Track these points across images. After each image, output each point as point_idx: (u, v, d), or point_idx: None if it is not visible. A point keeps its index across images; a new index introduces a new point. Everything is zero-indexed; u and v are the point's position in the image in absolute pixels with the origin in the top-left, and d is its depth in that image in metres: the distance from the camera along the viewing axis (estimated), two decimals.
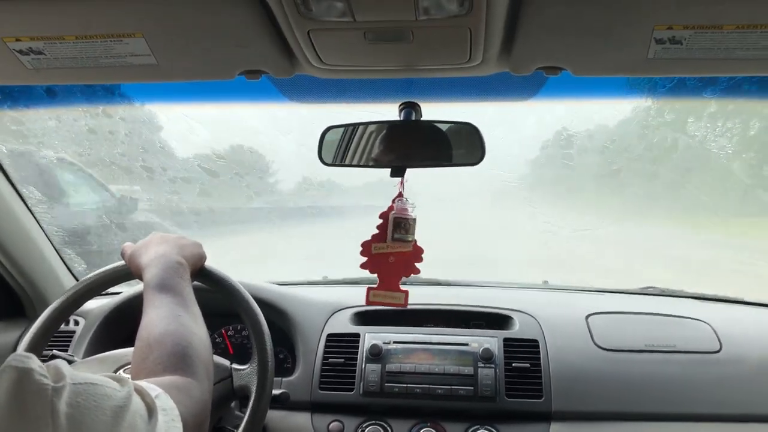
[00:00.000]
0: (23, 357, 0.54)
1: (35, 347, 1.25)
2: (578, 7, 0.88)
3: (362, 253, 1.27)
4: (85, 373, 0.59)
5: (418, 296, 1.70)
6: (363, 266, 1.27)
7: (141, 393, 0.64)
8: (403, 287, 1.29)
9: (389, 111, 1.32)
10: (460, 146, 1.26)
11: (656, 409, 1.43)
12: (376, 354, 1.50)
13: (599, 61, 1.05)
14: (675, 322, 1.60)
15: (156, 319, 0.96)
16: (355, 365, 1.51)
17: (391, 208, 1.28)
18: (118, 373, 1.18)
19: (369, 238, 1.28)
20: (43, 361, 0.56)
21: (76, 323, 1.65)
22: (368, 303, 1.27)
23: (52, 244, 1.74)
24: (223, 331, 1.69)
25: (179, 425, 0.69)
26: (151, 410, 0.63)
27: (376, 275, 1.28)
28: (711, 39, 0.91)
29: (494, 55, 1.03)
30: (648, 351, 1.51)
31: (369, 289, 1.28)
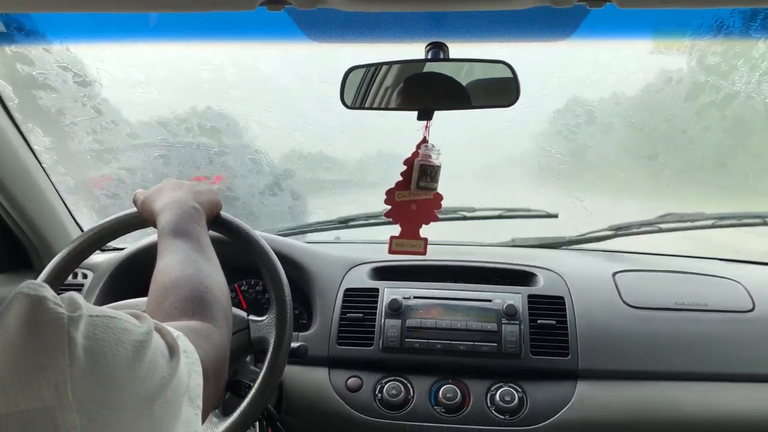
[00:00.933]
0: (36, 285, 0.49)
1: None
2: None
3: (386, 202, 1.23)
4: (101, 307, 0.54)
5: (440, 253, 1.65)
6: (387, 215, 1.23)
7: (161, 331, 0.59)
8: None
9: (416, 52, 1.26)
10: (493, 88, 1.19)
11: (686, 369, 1.40)
12: (396, 309, 1.46)
13: None
14: (706, 281, 1.55)
15: (172, 263, 0.92)
16: (374, 320, 1.47)
17: (415, 155, 1.23)
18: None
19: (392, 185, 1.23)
20: None
21: (85, 276, 1.61)
22: (390, 252, 1.23)
23: (58, 192, 1.69)
24: (236, 285, 1.65)
25: (200, 370, 0.65)
26: (172, 349, 0.58)
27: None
28: None
29: None
30: (678, 309, 1.47)
31: (392, 238, 1.23)
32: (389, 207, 1.23)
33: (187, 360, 0.61)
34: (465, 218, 1.86)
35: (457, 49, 1.25)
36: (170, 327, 0.66)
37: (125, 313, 0.56)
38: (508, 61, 1.17)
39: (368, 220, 1.86)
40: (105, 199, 2.08)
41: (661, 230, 1.76)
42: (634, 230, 1.78)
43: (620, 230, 1.79)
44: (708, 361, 1.40)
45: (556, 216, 1.86)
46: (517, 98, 1.17)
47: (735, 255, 1.76)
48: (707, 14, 1.23)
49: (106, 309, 0.54)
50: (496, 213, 1.89)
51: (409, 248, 1.24)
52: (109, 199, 2.08)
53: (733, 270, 1.62)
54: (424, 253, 1.25)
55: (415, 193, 1.24)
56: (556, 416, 1.34)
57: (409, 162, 1.24)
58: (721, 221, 1.74)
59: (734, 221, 1.74)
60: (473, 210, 1.88)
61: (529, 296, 1.48)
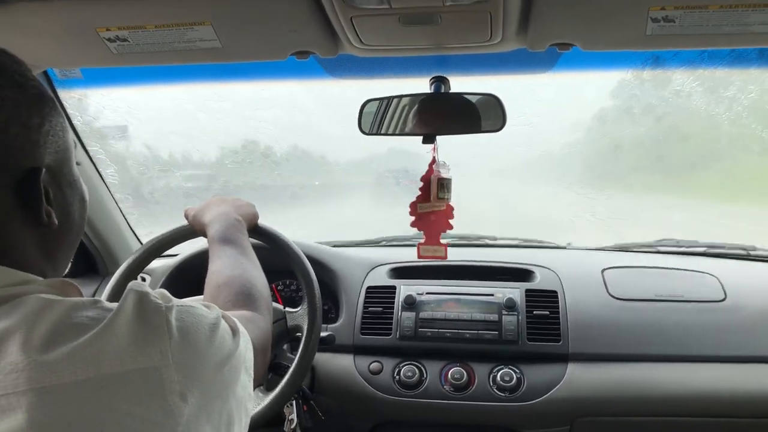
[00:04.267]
0: (140, 284, 0.69)
1: (114, 299, 1.45)
2: None
3: (411, 213, 1.43)
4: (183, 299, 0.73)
5: (449, 254, 1.87)
6: (413, 225, 1.43)
7: (225, 317, 0.76)
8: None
9: (421, 85, 1.47)
10: (486, 115, 1.40)
11: (663, 352, 1.58)
12: (411, 303, 1.67)
13: (604, 38, 1.19)
14: (683, 275, 1.73)
15: (222, 266, 1.10)
16: (392, 313, 1.68)
17: (430, 171, 1.43)
18: None
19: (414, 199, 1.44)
20: None
21: (143, 279, 1.84)
22: (419, 257, 1.43)
23: (118, 207, 1.94)
24: (273, 285, 1.86)
25: (251, 347, 0.82)
26: (234, 330, 0.75)
27: (421, 232, 1.45)
28: (699, 17, 1.04)
29: (512, 34, 1.17)
30: (657, 300, 1.65)
31: (419, 245, 1.43)
32: (414, 218, 1.44)
33: (243, 339, 0.79)
34: (486, 245, 2.09)
35: (457, 81, 1.47)
36: (229, 314, 0.88)
37: (200, 303, 0.78)
38: (496, 94, 1.39)
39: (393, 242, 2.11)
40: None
41: (659, 252, 1.96)
42: (635, 250, 1.98)
43: (623, 249, 1.99)
44: (684, 345, 1.58)
45: (564, 247, 2.08)
46: (504, 124, 1.38)
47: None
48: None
49: (188, 300, 0.75)
50: (515, 242, 2.11)
51: (434, 253, 1.44)
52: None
53: (710, 264, 1.79)
54: (446, 258, 1.44)
55: (435, 204, 1.44)
56: (549, 393, 1.54)
57: (425, 179, 1.44)
58: (712, 249, 1.93)
59: (722, 251, 1.92)
60: (495, 239, 2.10)
61: (527, 291, 1.68)
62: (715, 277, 1.71)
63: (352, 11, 1.06)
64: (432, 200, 1.41)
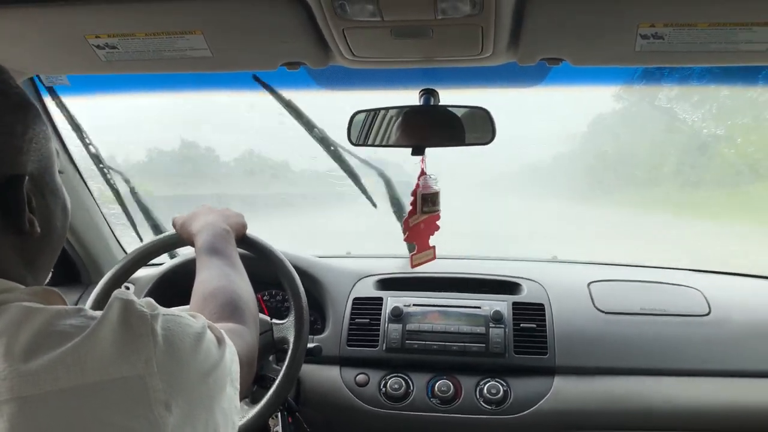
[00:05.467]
0: (125, 292, 0.68)
1: (99, 307, 1.43)
2: (574, 7, 1.04)
3: (404, 229, 1.44)
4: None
5: (436, 266, 1.87)
6: (406, 239, 1.45)
7: (211, 328, 0.76)
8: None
9: (411, 97, 1.48)
10: (474, 128, 1.41)
11: (648, 365, 1.58)
12: (398, 315, 1.67)
13: (594, 54, 1.21)
14: (669, 289, 1.74)
15: (209, 277, 1.09)
16: (379, 325, 1.68)
17: (417, 186, 1.45)
18: None
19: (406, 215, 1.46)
20: None
21: (127, 288, 1.82)
22: (413, 267, 1.44)
23: (103, 215, 1.92)
24: (258, 296, 1.85)
25: (237, 359, 0.82)
26: (220, 341, 0.75)
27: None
28: (688, 34, 1.06)
29: (503, 48, 1.18)
30: (642, 314, 1.66)
31: (411, 256, 1.44)
32: (408, 233, 1.44)
33: (229, 350, 0.78)
34: (474, 258, 2.09)
35: (447, 93, 1.48)
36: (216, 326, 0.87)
37: (186, 313, 0.77)
38: (485, 107, 1.40)
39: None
40: None
41: (645, 266, 1.97)
42: (620, 264, 2.00)
43: (609, 263, 2.02)
44: (669, 359, 1.59)
45: (551, 261, 2.10)
46: (493, 137, 1.39)
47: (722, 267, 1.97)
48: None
49: (174, 309, 0.74)
50: (502, 255, 2.13)
51: (425, 258, 1.46)
52: None
53: (695, 279, 1.81)
54: (435, 258, 1.45)
55: (423, 217, 1.45)
56: (535, 406, 1.54)
57: (414, 193, 1.46)
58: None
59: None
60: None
61: (514, 303, 1.69)
62: (699, 291, 1.72)
63: (344, 23, 1.06)
64: (418, 213, 1.41)
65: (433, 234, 1.43)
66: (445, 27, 1.09)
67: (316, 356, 1.49)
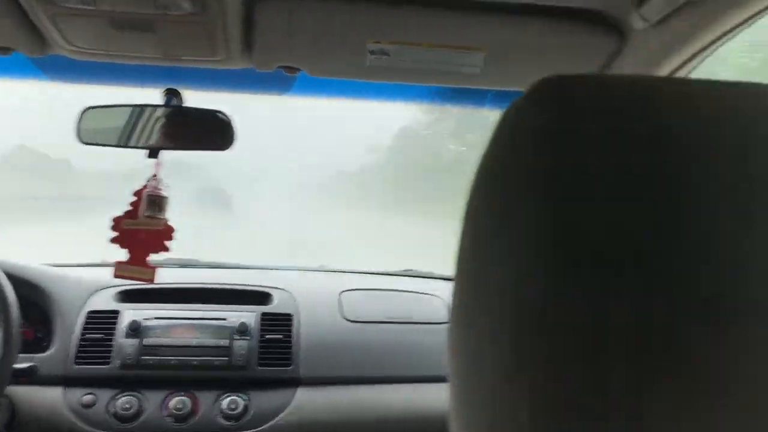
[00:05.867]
0: None
1: None
2: (304, 18, 1.04)
3: (113, 228, 1.32)
4: None
5: (183, 276, 1.78)
6: (112, 241, 1.32)
7: None
8: (156, 264, 1.36)
9: (155, 97, 1.39)
10: (213, 133, 1.36)
11: (394, 373, 1.63)
12: (135, 329, 1.55)
13: (329, 66, 1.23)
14: (415, 298, 1.82)
15: None
16: (112, 340, 1.55)
17: (144, 187, 1.35)
18: None
19: (121, 213, 1.33)
20: None
21: None
22: (115, 276, 1.33)
23: None
24: None
25: None
26: None
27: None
28: (414, 53, 1.11)
29: (237, 52, 1.15)
30: (389, 322, 1.72)
31: (117, 262, 1.33)
32: (115, 233, 1.33)
33: None
34: (226, 267, 2.05)
35: (196, 96, 1.42)
36: None
37: None
38: (226, 112, 1.36)
39: None
40: None
41: (404, 275, 2.05)
42: (379, 273, 2.07)
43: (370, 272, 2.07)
44: (412, 366, 1.65)
45: (307, 269, 2.11)
46: (231, 143, 1.35)
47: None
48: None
49: None
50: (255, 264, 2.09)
51: (136, 274, 1.33)
52: None
53: (438, 286, 1.91)
54: (152, 282, 1.36)
55: (144, 223, 1.34)
56: (275, 419, 1.51)
57: (138, 193, 1.35)
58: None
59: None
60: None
61: (262, 314, 1.65)
62: (441, 298, 1.82)
63: (53, 8, 0.97)
64: (139, 217, 1.32)
65: (157, 253, 1.32)
66: (171, 23, 1.04)
67: (29, 377, 1.34)
